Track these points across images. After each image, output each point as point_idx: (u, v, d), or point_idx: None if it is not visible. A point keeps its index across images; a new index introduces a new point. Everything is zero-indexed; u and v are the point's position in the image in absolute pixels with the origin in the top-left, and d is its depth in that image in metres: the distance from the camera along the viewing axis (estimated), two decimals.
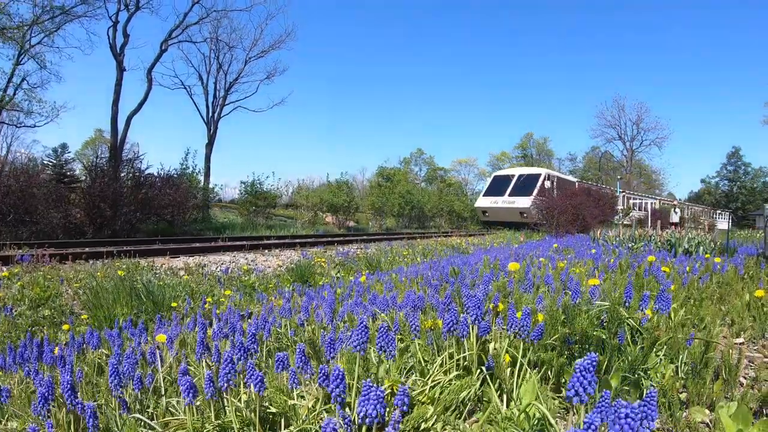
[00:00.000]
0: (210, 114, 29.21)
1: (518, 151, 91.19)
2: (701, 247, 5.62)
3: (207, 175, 26.12)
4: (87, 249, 7.67)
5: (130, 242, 8.74)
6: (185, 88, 28.85)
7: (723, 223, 50.72)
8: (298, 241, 11.02)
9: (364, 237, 13.10)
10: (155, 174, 13.51)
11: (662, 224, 32.33)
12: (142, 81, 24.62)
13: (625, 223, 34.63)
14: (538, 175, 24.61)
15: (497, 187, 25.73)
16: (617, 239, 6.17)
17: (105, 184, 11.26)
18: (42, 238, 9.52)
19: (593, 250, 4.58)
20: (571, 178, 31.11)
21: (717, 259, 3.41)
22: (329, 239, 12.13)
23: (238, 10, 25.99)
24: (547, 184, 23.73)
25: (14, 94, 23.61)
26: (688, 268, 3.37)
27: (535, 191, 23.03)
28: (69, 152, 80.00)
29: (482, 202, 25.98)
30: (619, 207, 32.58)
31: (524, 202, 23.01)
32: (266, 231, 14.77)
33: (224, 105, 29.94)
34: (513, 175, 25.80)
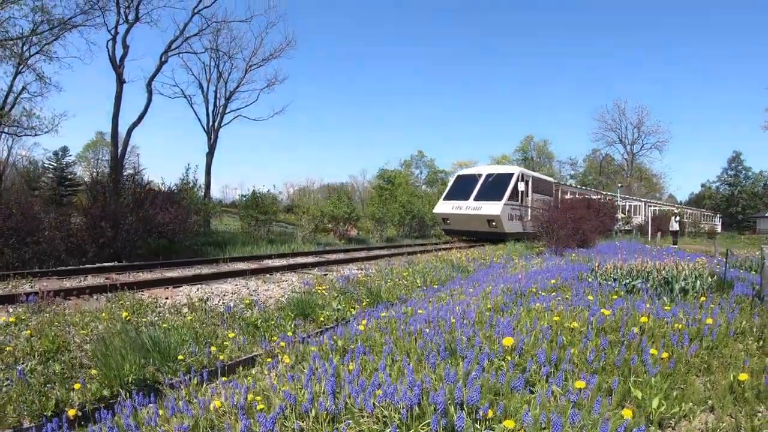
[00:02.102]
0: (210, 123, 29.33)
1: (519, 153, 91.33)
2: (699, 282, 5.70)
3: (208, 186, 26.27)
4: (90, 277, 7.79)
5: (132, 267, 8.84)
6: (186, 97, 28.97)
7: (720, 227, 51.05)
8: (299, 261, 11.14)
9: (364, 254, 13.19)
10: (156, 189, 13.62)
11: (662, 232, 32.40)
12: (142, 90, 24.82)
13: (626, 229, 34.74)
14: (509, 175, 20.84)
15: (461, 189, 21.63)
16: (615, 271, 6.25)
17: (106, 203, 11.38)
18: (45, 258, 9.65)
19: (590, 296, 4.67)
20: (548, 178, 27.08)
21: (709, 321, 3.49)
22: (330, 260, 12.22)
23: (238, 21, 26.16)
24: (521, 186, 20.58)
25: (14, 104, 23.83)
26: (680, 327, 3.46)
27: (507, 194, 19.88)
28: (70, 155, 78.74)
29: (442, 207, 21.65)
30: (620, 215, 32.59)
31: (493, 208, 19.59)
32: (267, 246, 14.87)
33: (224, 114, 30.07)
34: (480, 175, 21.58)
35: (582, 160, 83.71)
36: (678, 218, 27.99)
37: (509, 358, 2.60)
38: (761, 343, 3.49)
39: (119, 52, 22.09)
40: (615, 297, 4.84)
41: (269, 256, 11.90)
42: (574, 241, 15.29)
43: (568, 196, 33.89)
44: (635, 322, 3.44)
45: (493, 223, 19.49)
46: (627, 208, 45.49)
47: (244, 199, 20.13)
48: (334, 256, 12.98)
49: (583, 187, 41.37)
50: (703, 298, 4.76)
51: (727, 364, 2.88)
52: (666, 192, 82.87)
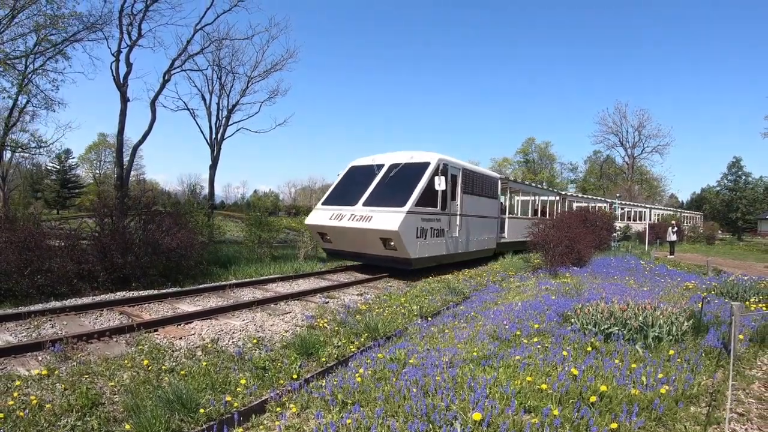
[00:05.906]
0: (213, 136, 29.88)
1: (520, 156, 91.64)
2: (674, 327, 6.18)
3: (212, 199, 26.84)
4: (105, 311, 8.31)
5: (143, 299, 9.37)
6: (189, 110, 29.55)
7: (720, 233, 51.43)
8: (302, 287, 11.67)
9: (363, 276, 13.67)
10: (162, 210, 14.15)
11: (661, 239, 32.67)
12: (147, 103, 25.42)
13: (624, 236, 34.96)
14: (423, 166, 13.26)
15: (350, 187, 14.19)
16: (596, 313, 6.72)
17: (114, 228, 11.94)
18: (57, 284, 10.17)
19: (565, 352, 5.16)
20: (490, 173, 18.73)
21: (663, 390, 3.97)
22: (330, 281, 12.73)
23: (240, 39, 26.72)
24: (440, 183, 12.72)
25: (18, 118, 24.50)
26: (635, 393, 3.95)
27: (414, 197, 12.37)
28: (73, 158, 79.60)
29: (318, 216, 13.95)
30: (618, 225, 32.95)
31: (390, 220, 12.06)
32: (271, 264, 15.42)
33: (227, 126, 30.63)
34: (380, 166, 14.12)
35: (583, 161, 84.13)
36: (675, 228, 28.44)
37: None
38: (711, 408, 3.97)
39: (123, 70, 22.70)
40: (589, 349, 5.33)
41: (273, 280, 12.42)
42: (569, 260, 15.76)
43: (521, 198, 26.62)
44: (595, 389, 3.93)
45: (391, 243, 12.32)
46: (627, 215, 45.55)
47: (246, 201, 20.72)
48: (334, 277, 13.48)
49: (543, 187, 31.97)
50: (671, 352, 5.23)
51: None
52: (667, 194, 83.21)
